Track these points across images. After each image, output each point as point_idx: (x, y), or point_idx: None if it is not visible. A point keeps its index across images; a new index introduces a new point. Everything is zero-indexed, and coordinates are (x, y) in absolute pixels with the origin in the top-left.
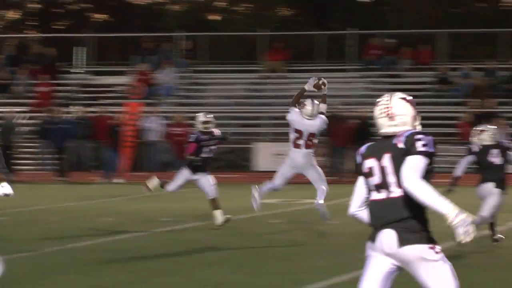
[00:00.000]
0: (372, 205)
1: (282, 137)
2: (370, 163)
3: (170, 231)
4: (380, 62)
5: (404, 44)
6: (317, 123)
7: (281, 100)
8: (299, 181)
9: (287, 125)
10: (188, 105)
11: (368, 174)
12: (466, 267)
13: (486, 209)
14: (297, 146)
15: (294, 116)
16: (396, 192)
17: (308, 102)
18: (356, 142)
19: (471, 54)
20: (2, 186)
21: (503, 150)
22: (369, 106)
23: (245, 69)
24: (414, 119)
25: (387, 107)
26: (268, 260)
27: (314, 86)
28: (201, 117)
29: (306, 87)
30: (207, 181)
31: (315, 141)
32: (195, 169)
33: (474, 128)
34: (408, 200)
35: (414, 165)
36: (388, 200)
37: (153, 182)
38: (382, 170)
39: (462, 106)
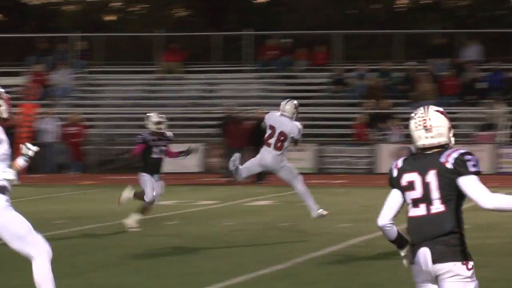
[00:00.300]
0: (412, 222)
1: (179, 138)
2: (411, 177)
3: (65, 233)
4: (276, 63)
5: (299, 45)
6: (290, 125)
7: (177, 101)
8: (194, 182)
9: (184, 126)
10: (84, 106)
11: (408, 188)
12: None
13: None
14: (268, 144)
15: (272, 114)
16: (438, 208)
17: (289, 102)
18: (253, 143)
19: (366, 55)
20: None
21: None
22: (266, 107)
23: (141, 70)
24: (449, 130)
25: (424, 120)
26: (165, 262)
27: None
28: (153, 117)
29: None
30: (158, 186)
31: (286, 144)
32: (152, 171)
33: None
34: (449, 216)
35: (477, 184)
36: (429, 216)
37: (125, 195)
38: (425, 185)
39: (358, 107)
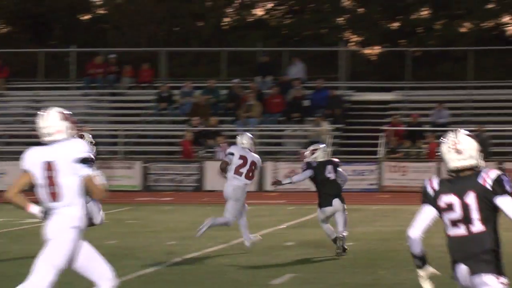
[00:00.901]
0: (453, 240)
1: (3, 156)
2: (449, 199)
3: None
4: (102, 80)
5: (125, 62)
6: (257, 156)
7: (0, 118)
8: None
9: (8, 143)
10: None
11: (446, 210)
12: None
13: (340, 225)
14: (239, 174)
15: (236, 147)
16: (479, 228)
17: (245, 135)
18: None
19: (191, 72)
20: None
21: (335, 166)
22: (92, 124)
23: None
24: (478, 152)
25: (455, 143)
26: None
27: None
28: (87, 136)
29: None
30: (96, 206)
31: (255, 173)
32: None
33: (307, 149)
34: (489, 235)
35: None
36: (471, 236)
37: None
38: (465, 206)
39: (184, 124)
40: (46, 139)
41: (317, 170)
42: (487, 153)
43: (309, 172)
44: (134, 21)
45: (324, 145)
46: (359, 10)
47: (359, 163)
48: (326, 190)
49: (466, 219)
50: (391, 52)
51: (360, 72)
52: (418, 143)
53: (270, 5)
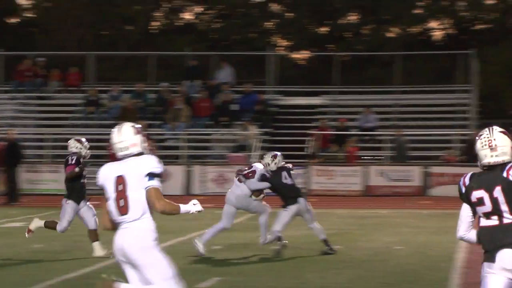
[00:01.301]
0: (485, 231)
1: None
2: (479, 194)
3: None
4: (29, 84)
5: (53, 66)
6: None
7: None
8: None
9: None
10: None
11: (478, 204)
12: None
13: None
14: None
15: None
16: (508, 219)
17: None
18: (6, 163)
19: (120, 76)
20: None
21: (288, 171)
22: (19, 127)
23: None
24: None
25: (489, 140)
26: None
27: None
28: (84, 142)
29: None
30: (90, 211)
31: None
32: (79, 198)
33: (264, 155)
34: None
35: None
36: (502, 226)
37: (35, 223)
38: (494, 200)
39: (112, 128)
40: (121, 153)
41: (273, 179)
42: (405, 157)
43: (265, 185)
44: (63, 25)
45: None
46: (287, 14)
47: None
48: (288, 194)
49: (496, 211)
50: (319, 56)
51: (288, 76)
52: (345, 147)
53: (198, 9)
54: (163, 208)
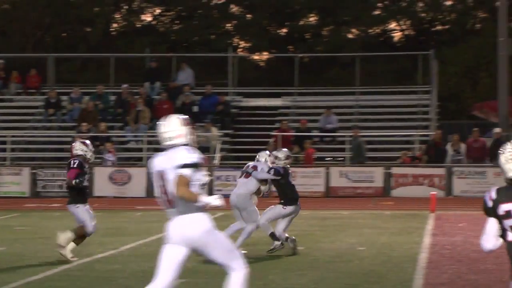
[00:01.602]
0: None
1: None
2: (507, 207)
3: None
4: None
5: (12, 68)
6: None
7: None
8: None
9: None
10: None
11: (506, 217)
12: None
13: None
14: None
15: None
16: None
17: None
18: None
19: (80, 78)
20: None
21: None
22: None
23: None
24: None
25: None
26: None
27: None
28: (89, 144)
29: None
30: (88, 214)
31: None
32: (84, 200)
33: (270, 153)
34: None
35: None
36: None
37: (64, 236)
38: None
39: (73, 130)
40: (167, 143)
41: (285, 175)
42: (363, 157)
43: (271, 176)
44: (21, 27)
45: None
46: (247, 16)
47: None
48: (291, 194)
49: None
50: (279, 58)
51: (249, 78)
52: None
53: (158, 11)
54: (182, 194)
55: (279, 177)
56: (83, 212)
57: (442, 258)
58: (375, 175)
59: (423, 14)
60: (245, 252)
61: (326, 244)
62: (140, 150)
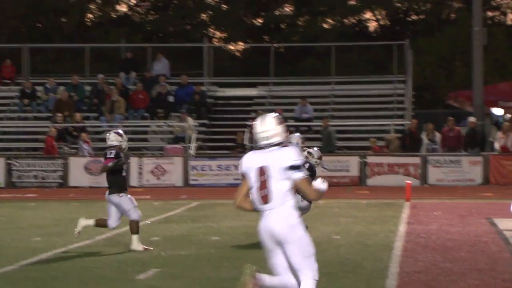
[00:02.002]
0: None
1: None
2: None
3: None
4: None
5: None
6: None
7: None
8: None
9: None
10: None
11: None
12: None
13: None
14: None
15: None
16: None
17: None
18: None
19: (55, 69)
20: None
21: None
22: None
23: None
24: None
25: None
26: None
27: None
28: (123, 134)
29: None
30: (132, 203)
31: None
32: (125, 189)
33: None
34: None
35: None
36: None
37: (82, 223)
38: None
39: (48, 121)
40: (263, 142)
41: (313, 175)
42: (333, 147)
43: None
44: None
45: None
46: (222, 6)
47: (225, 158)
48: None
49: None
50: (255, 48)
51: (225, 68)
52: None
53: (133, 1)
54: (315, 197)
55: (309, 173)
56: (126, 201)
57: (417, 247)
58: (351, 165)
59: (398, 4)
60: (217, 239)
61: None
62: None
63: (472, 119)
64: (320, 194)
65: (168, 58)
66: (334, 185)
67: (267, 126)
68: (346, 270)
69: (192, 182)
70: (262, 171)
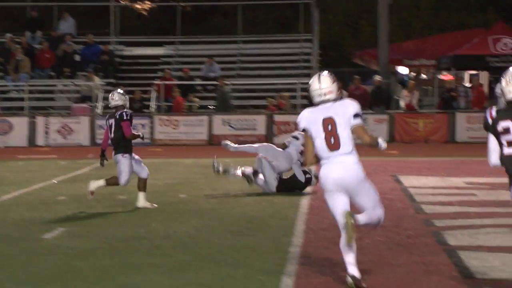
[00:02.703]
0: (509, 158)
1: None
2: (506, 124)
3: None
4: None
5: None
6: None
7: None
8: None
9: None
10: None
11: (504, 133)
12: None
13: None
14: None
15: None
16: None
17: None
18: None
19: None
20: None
21: None
22: None
23: None
24: None
25: None
26: None
27: None
28: (125, 93)
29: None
30: (140, 162)
31: None
32: (131, 151)
33: None
34: None
35: None
36: None
37: (94, 184)
38: None
39: None
40: (319, 99)
41: None
42: (228, 107)
43: None
44: None
45: None
46: None
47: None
48: None
49: None
50: (161, 7)
51: (132, 27)
52: (190, 97)
53: None
54: (369, 141)
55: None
56: (125, 162)
57: (323, 204)
58: (258, 123)
59: None
60: (124, 198)
61: (208, 191)
62: (21, 99)
63: (377, 77)
64: (374, 143)
65: (74, 17)
66: (241, 143)
67: (323, 83)
68: (253, 228)
69: (99, 141)
70: (328, 121)
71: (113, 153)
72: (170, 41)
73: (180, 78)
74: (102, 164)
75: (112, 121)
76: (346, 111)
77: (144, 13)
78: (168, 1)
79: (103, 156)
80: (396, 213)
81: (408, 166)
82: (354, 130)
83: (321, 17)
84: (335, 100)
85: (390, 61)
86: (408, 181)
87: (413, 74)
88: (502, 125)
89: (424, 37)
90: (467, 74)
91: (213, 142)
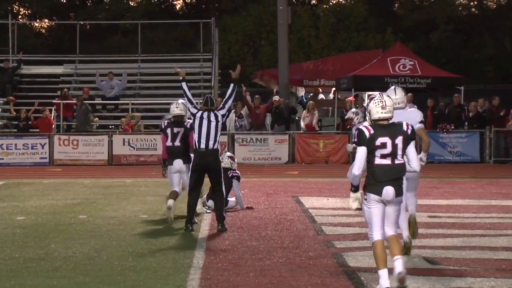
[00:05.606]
0: (380, 168)
1: None
2: (384, 139)
3: None
4: None
5: None
6: None
7: None
8: None
9: None
10: None
11: (380, 147)
12: None
13: None
14: None
15: None
16: (400, 161)
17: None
18: None
19: None
20: None
21: None
22: None
23: None
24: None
25: (381, 101)
26: None
27: None
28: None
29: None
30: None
31: None
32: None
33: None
34: (405, 166)
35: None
36: (394, 165)
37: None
38: (394, 146)
39: None
40: (396, 107)
41: None
42: (88, 126)
43: None
44: None
45: None
46: None
47: (31, 137)
48: None
49: (393, 154)
50: (61, 25)
51: (30, 45)
52: (90, 117)
53: None
54: (429, 141)
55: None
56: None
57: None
58: (158, 143)
59: None
60: (23, 218)
61: (109, 212)
62: None
63: (276, 97)
64: (428, 144)
65: None
66: (141, 163)
67: (398, 96)
68: (153, 249)
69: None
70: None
71: (175, 161)
72: (70, 60)
73: (79, 97)
74: (164, 175)
75: (179, 130)
76: (415, 117)
77: (43, 31)
78: (67, 19)
79: (165, 166)
80: (297, 234)
81: (309, 187)
82: (418, 133)
83: (221, 37)
84: (403, 108)
85: (290, 81)
86: (309, 202)
87: (310, 94)
88: (380, 140)
89: (324, 57)
90: (366, 95)
91: (113, 162)
